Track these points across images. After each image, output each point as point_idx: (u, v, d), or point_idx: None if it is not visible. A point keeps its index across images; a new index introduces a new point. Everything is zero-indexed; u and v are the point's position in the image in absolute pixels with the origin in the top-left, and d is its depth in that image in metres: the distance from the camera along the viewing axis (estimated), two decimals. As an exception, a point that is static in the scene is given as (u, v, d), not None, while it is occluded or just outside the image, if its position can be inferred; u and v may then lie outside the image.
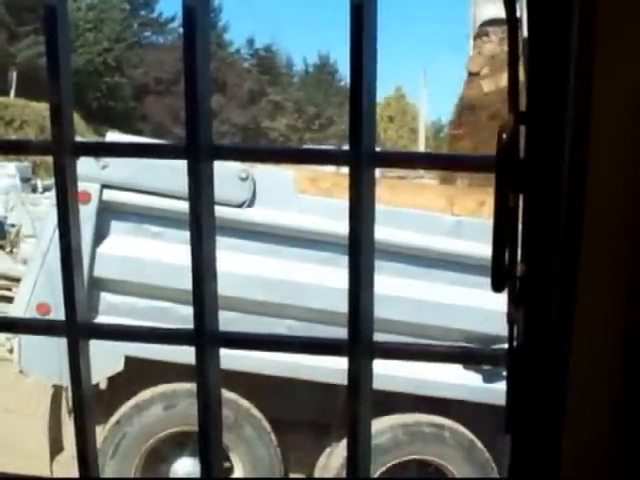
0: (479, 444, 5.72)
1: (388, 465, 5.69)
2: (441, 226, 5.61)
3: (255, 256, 5.58)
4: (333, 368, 5.07)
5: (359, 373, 1.05)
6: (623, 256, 0.89)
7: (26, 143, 1.19)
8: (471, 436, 5.73)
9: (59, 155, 1.08)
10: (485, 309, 5.13)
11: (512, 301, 0.97)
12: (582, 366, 0.91)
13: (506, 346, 0.99)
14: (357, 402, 1.07)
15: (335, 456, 5.77)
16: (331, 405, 5.57)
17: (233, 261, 5.32)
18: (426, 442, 5.72)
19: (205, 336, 1.11)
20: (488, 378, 5.48)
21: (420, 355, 1.17)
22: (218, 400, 1.16)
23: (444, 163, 1.13)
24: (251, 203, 5.61)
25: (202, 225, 1.08)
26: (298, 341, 1.23)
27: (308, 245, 5.59)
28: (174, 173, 5.05)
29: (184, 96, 1.03)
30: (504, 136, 0.93)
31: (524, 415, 0.96)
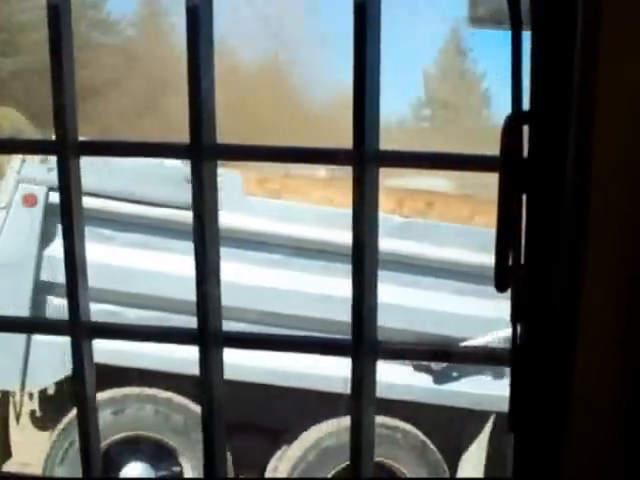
0: (431, 445, 5.72)
1: (339, 467, 5.67)
2: (389, 227, 5.57)
3: None
4: (292, 372, 5.08)
5: (362, 373, 1.05)
6: (627, 254, 0.89)
7: (30, 143, 1.19)
8: (423, 437, 5.72)
9: (63, 154, 1.08)
10: (436, 311, 5.13)
11: (515, 300, 0.97)
12: (586, 364, 0.91)
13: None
14: (360, 402, 1.07)
15: (286, 459, 5.76)
16: (282, 409, 5.55)
17: (182, 264, 5.29)
18: (378, 444, 5.70)
19: (208, 336, 1.12)
20: (438, 379, 5.47)
21: (421, 355, 1.16)
22: (221, 400, 1.16)
23: (448, 162, 1.13)
24: None
25: (205, 225, 1.08)
26: (301, 341, 1.23)
27: (256, 247, 5.56)
28: (124, 175, 5.05)
29: (188, 95, 1.03)
30: (507, 136, 0.93)
31: (528, 414, 0.96)
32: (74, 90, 1.10)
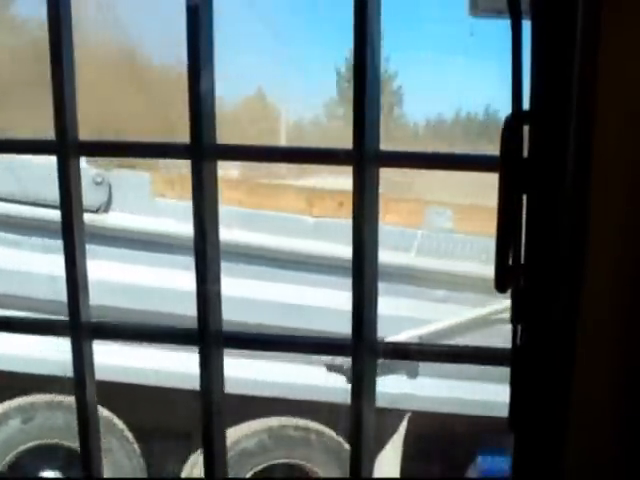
0: (346, 446, 5.68)
1: (255, 470, 5.62)
2: (300, 227, 5.51)
3: (112, 262, 5.44)
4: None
5: (362, 372, 1.05)
6: (627, 254, 0.89)
7: (30, 143, 1.19)
8: (337, 438, 5.68)
9: (63, 154, 1.08)
10: (343, 310, 5.06)
11: (515, 300, 0.97)
12: (586, 364, 0.91)
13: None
14: (360, 402, 1.07)
15: (199, 464, 5.70)
16: (194, 413, 5.46)
17: (88, 267, 5.17)
18: (293, 446, 5.64)
19: (208, 336, 1.12)
20: (352, 379, 5.39)
21: (423, 355, 1.17)
22: (220, 400, 1.16)
23: (449, 162, 1.13)
24: (107, 208, 5.49)
25: (205, 224, 1.08)
26: (302, 341, 1.23)
27: (165, 250, 5.46)
28: (23, 176, 5.00)
29: (188, 96, 1.03)
30: (508, 136, 0.93)
31: (528, 414, 0.96)
32: (74, 91, 1.10)
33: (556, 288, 0.93)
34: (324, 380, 5.36)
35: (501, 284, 0.96)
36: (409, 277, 5.36)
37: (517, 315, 0.97)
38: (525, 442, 0.98)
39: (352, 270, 1.04)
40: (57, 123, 1.06)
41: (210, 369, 1.12)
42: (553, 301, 0.93)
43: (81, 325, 1.15)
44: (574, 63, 0.86)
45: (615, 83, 0.85)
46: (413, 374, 5.32)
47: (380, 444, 5.73)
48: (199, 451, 5.63)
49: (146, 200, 5.52)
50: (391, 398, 5.36)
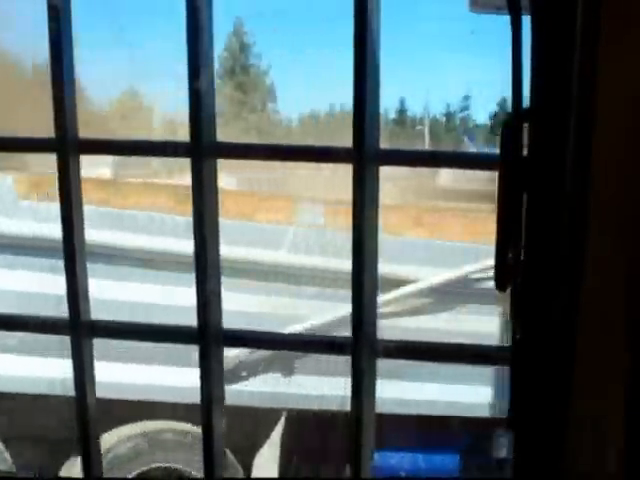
0: (225, 449, 5.60)
1: (131, 475, 5.55)
2: (169, 227, 5.40)
3: None
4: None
5: (362, 371, 1.05)
6: (627, 252, 0.89)
7: (29, 141, 1.19)
8: None
9: (63, 153, 1.08)
10: (238, 311, 5.07)
11: (515, 298, 0.97)
12: (585, 363, 0.91)
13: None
14: (360, 401, 1.07)
15: (75, 470, 5.65)
16: (65, 420, 5.39)
17: None
18: (169, 449, 5.56)
19: (208, 335, 1.11)
20: (227, 379, 5.33)
21: (424, 354, 1.16)
22: (221, 399, 1.16)
23: (449, 161, 1.13)
24: None
25: (205, 223, 1.08)
26: (301, 340, 1.23)
27: (31, 253, 5.39)
28: None
29: (188, 94, 1.03)
30: (507, 134, 0.93)
31: (527, 413, 0.96)
32: (74, 89, 1.10)
33: (556, 286, 0.93)
34: (199, 381, 5.26)
35: (501, 282, 0.96)
36: (281, 275, 5.29)
37: (516, 313, 0.97)
38: (525, 441, 0.97)
39: (352, 269, 1.03)
40: (57, 121, 1.06)
41: (209, 368, 1.12)
42: (553, 299, 0.93)
43: (80, 324, 1.15)
44: (574, 60, 0.86)
45: (615, 80, 0.85)
46: (288, 372, 5.26)
47: (258, 443, 5.70)
48: (72, 457, 5.56)
49: (10, 203, 5.43)
50: (266, 397, 5.30)
